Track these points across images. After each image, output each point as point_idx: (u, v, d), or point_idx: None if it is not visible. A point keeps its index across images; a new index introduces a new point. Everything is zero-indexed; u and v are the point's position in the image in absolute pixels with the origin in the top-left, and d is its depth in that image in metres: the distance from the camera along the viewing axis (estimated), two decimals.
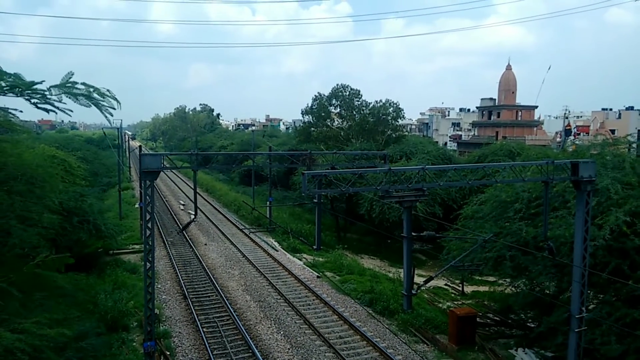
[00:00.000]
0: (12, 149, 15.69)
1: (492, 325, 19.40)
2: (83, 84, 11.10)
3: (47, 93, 10.58)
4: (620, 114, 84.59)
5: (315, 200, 30.89)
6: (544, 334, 14.91)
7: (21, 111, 14.08)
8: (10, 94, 10.43)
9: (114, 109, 12.95)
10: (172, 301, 20.61)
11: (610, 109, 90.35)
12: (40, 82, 10.54)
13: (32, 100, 10.59)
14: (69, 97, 10.81)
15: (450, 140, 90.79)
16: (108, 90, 11.57)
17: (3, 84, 10.28)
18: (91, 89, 11.05)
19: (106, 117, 12.89)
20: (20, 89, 10.26)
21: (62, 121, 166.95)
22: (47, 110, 11.21)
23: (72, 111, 12.13)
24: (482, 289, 25.44)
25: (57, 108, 11.15)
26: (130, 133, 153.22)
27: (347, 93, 54.13)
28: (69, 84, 10.80)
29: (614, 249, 13.68)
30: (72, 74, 11.06)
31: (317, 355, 15.76)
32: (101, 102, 11.23)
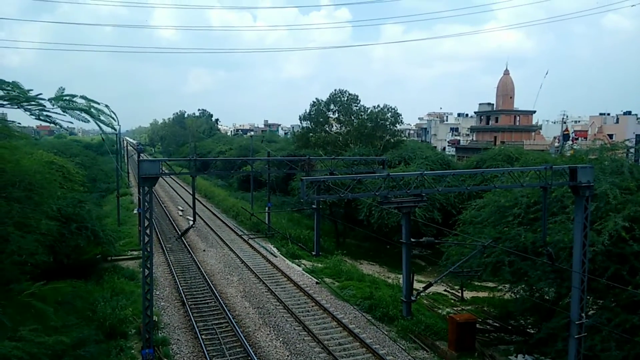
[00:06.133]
0: (10, 155, 15.61)
1: (492, 331, 19.36)
2: (82, 97, 11.02)
3: (45, 105, 10.53)
4: (617, 118, 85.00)
5: (314, 206, 30.91)
6: (544, 340, 14.87)
7: (19, 123, 14.07)
8: (9, 106, 10.37)
9: (114, 128, 12.91)
10: (170, 308, 20.52)
11: (608, 114, 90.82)
12: (39, 94, 10.50)
13: (32, 112, 10.54)
14: (66, 113, 10.75)
15: (448, 145, 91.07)
16: (106, 106, 11.53)
17: (2, 94, 10.23)
18: (91, 103, 10.99)
19: (103, 131, 12.86)
20: (18, 101, 10.21)
21: (61, 127, 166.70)
22: (47, 122, 11.16)
23: (71, 123, 12.08)
24: (481, 294, 25.40)
25: (55, 123, 11.08)
26: (134, 141, 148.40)
27: (345, 98, 54.22)
28: (67, 97, 10.73)
29: (613, 255, 13.67)
30: (64, 89, 11.00)
31: None
32: (100, 118, 11.19)
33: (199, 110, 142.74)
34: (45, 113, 10.75)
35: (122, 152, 73.41)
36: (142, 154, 38.72)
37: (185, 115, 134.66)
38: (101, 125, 11.35)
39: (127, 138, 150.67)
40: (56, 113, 10.90)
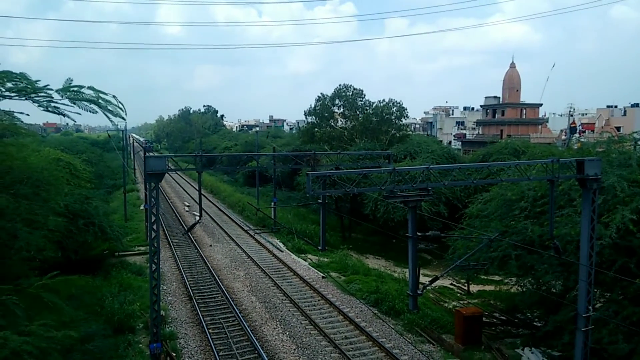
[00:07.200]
0: (18, 152, 15.74)
1: (499, 324, 19.34)
2: (90, 88, 11.04)
3: (53, 96, 10.57)
4: (625, 111, 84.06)
5: (319, 201, 30.93)
6: (551, 333, 14.84)
7: (27, 114, 14.11)
8: (17, 97, 10.43)
9: (123, 118, 12.95)
10: (177, 302, 20.65)
11: (615, 106, 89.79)
12: (47, 85, 10.55)
13: (40, 104, 10.59)
14: (74, 104, 10.78)
15: (454, 139, 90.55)
16: (114, 97, 11.54)
17: (11, 85, 10.30)
18: (99, 94, 11.01)
19: (113, 122, 12.92)
20: (26, 92, 10.27)
21: (67, 124, 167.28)
22: (56, 113, 11.22)
23: (79, 114, 12.12)
24: (487, 288, 25.36)
25: (63, 114, 11.13)
26: (141, 138, 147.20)
27: (350, 93, 54.07)
28: (75, 88, 10.77)
29: (620, 247, 13.59)
30: (72, 80, 11.03)
31: (322, 356, 15.76)
32: (108, 108, 11.20)
33: (204, 106, 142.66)
34: (53, 104, 10.81)
35: (128, 149, 73.76)
36: (149, 153, 38.78)
37: (191, 112, 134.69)
38: (109, 115, 11.39)
39: (134, 134, 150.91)
40: (64, 104, 10.95)
